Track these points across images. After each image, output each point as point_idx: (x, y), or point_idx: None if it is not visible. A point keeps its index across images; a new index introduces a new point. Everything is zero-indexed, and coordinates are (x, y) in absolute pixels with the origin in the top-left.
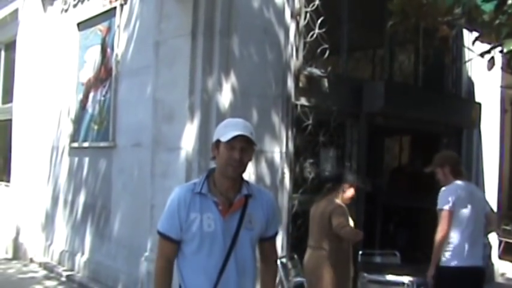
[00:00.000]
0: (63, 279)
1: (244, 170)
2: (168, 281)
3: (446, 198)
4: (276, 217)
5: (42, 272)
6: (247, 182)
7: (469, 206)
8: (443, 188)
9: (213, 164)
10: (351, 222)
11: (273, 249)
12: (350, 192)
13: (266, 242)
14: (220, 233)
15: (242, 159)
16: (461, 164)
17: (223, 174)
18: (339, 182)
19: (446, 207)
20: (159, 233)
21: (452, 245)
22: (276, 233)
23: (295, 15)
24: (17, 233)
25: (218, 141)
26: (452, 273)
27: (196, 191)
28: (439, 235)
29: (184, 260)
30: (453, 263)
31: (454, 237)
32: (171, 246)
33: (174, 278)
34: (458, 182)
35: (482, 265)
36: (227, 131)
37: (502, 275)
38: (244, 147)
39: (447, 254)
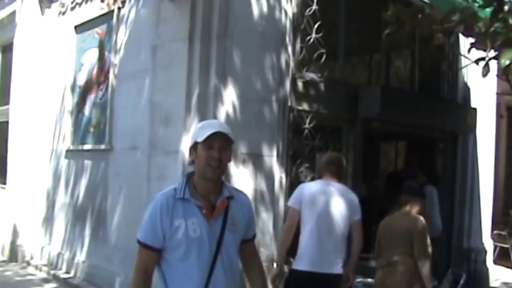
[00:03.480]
0: (60, 282)
1: (223, 172)
2: None
3: (293, 196)
4: (254, 218)
5: (39, 275)
6: (226, 184)
7: (319, 208)
8: None
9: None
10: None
11: (255, 250)
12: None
13: (247, 243)
14: (206, 237)
15: (221, 159)
16: (329, 163)
17: (203, 176)
18: (420, 197)
19: (291, 204)
20: (139, 243)
21: (301, 248)
22: (255, 235)
23: (292, 20)
24: (14, 236)
25: (196, 143)
26: (297, 277)
27: (178, 197)
28: (283, 233)
29: (169, 268)
30: (300, 267)
31: (303, 239)
32: (151, 256)
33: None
34: (314, 182)
35: (335, 272)
36: (204, 131)
37: (497, 280)
38: (223, 146)
39: (296, 256)
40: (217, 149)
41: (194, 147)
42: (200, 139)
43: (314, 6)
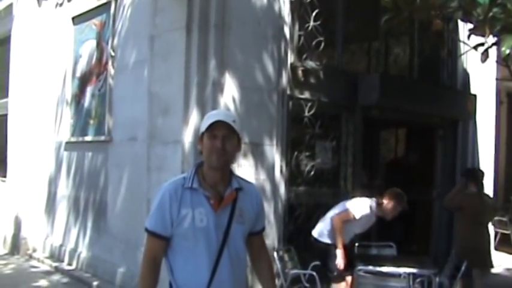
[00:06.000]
0: (63, 274)
1: (229, 159)
2: (154, 281)
3: None
4: (264, 211)
5: (42, 267)
6: (236, 175)
7: None
8: None
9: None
10: None
11: (263, 243)
12: None
13: (255, 236)
14: (212, 227)
15: (225, 147)
16: None
17: (209, 165)
18: None
19: None
20: (147, 231)
21: None
22: (264, 227)
23: (290, 8)
24: (15, 229)
25: (202, 134)
26: None
27: (186, 186)
28: None
29: (175, 256)
30: None
31: None
32: (159, 244)
33: (164, 275)
34: None
35: (321, 240)
36: (208, 121)
37: (498, 266)
38: (227, 136)
39: None
40: (220, 139)
41: (201, 137)
42: (203, 129)
43: None
